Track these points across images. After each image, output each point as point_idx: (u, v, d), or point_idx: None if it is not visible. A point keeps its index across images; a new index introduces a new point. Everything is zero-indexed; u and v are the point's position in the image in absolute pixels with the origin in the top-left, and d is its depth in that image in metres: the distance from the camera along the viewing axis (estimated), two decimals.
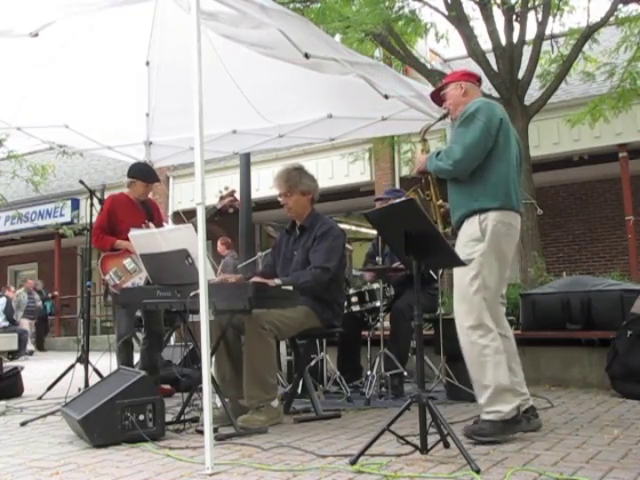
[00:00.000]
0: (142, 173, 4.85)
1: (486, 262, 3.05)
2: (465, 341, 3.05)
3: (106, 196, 4.98)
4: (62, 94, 4.92)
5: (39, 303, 14.62)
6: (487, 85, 7.41)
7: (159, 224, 4.75)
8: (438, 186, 3.38)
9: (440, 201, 3.39)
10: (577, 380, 4.73)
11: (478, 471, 2.36)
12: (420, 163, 3.35)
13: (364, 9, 6.77)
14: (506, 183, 3.12)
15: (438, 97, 3.47)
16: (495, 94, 7.04)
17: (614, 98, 7.31)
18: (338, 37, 6.63)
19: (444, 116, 3.45)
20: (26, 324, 13.38)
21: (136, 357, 4.88)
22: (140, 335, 5.53)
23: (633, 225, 9.42)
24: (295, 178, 3.98)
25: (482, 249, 3.06)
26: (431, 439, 2.64)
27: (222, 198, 4.76)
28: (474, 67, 7.61)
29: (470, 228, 3.11)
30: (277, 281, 3.68)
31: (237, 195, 4.92)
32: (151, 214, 4.86)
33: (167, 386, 4.86)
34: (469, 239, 3.10)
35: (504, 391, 2.97)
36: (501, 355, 3.00)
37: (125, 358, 4.61)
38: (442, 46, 11.98)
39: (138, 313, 4.94)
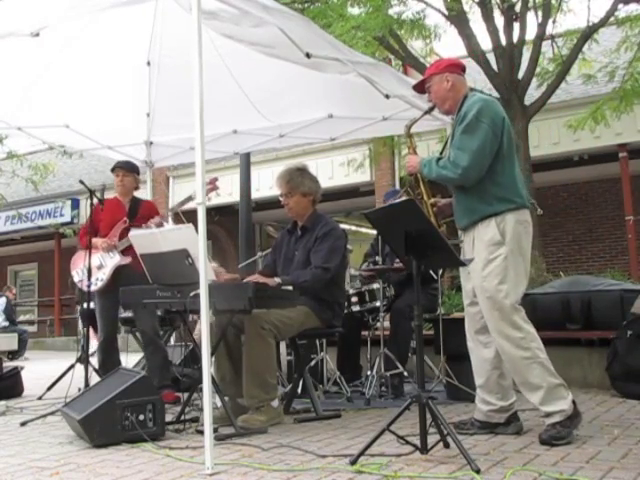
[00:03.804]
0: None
1: (511, 265, 3.01)
2: (507, 348, 2.99)
3: (106, 196, 5.00)
4: (63, 94, 4.92)
5: None
6: (487, 85, 7.42)
7: (140, 221, 4.73)
8: (428, 183, 3.28)
9: (432, 199, 3.29)
10: (577, 380, 4.72)
11: (478, 471, 2.36)
12: (411, 166, 3.24)
13: (367, 12, 6.74)
14: (516, 182, 3.10)
15: (422, 88, 3.34)
16: (495, 94, 7.04)
17: (615, 99, 7.30)
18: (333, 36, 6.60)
19: (430, 110, 3.35)
20: None
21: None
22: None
23: (633, 225, 9.42)
24: (297, 179, 3.99)
25: (505, 252, 3.01)
26: (431, 439, 2.63)
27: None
28: (474, 67, 7.62)
29: (488, 232, 3.04)
30: (277, 280, 3.69)
31: (218, 183, 4.80)
32: (135, 212, 4.83)
33: (171, 392, 4.58)
34: (489, 244, 3.03)
35: (556, 387, 2.97)
36: (544, 354, 3.00)
37: (101, 361, 4.70)
38: (443, 48, 11.97)
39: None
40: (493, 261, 3.02)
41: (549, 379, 2.97)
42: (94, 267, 4.64)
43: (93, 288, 4.60)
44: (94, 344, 11.19)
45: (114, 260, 4.69)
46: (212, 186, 4.69)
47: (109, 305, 4.69)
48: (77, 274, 4.86)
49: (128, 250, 4.65)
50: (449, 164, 3.04)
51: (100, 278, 4.63)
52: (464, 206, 3.15)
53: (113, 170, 4.93)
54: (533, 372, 2.96)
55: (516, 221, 3.05)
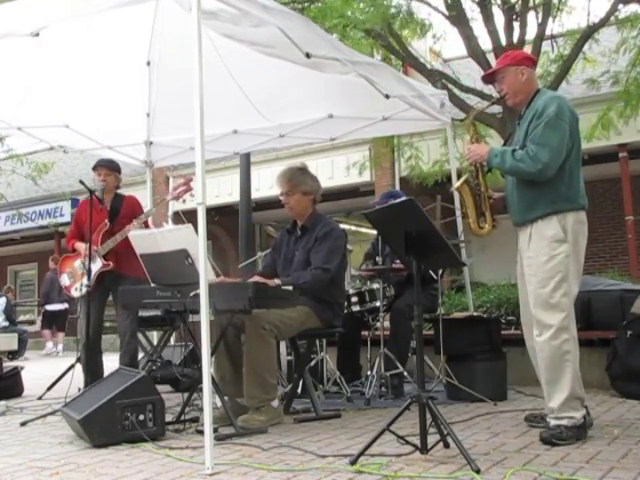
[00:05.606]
0: None
1: (571, 263, 3.02)
2: (550, 345, 2.98)
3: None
4: (63, 94, 4.92)
5: None
6: (488, 85, 7.40)
7: (123, 221, 4.70)
8: (485, 175, 3.25)
9: (489, 191, 3.26)
10: None
11: (478, 471, 2.36)
12: (477, 155, 3.19)
13: (364, 7, 6.74)
14: (581, 183, 3.12)
15: (491, 77, 3.34)
16: (495, 94, 7.04)
17: (620, 105, 7.29)
18: (335, 36, 6.61)
19: (499, 99, 3.38)
20: None
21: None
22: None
23: (633, 225, 9.41)
24: (298, 178, 3.99)
25: (567, 250, 3.01)
26: (431, 439, 2.64)
27: (175, 189, 4.77)
28: (474, 67, 7.61)
29: (550, 229, 3.03)
30: (277, 281, 3.69)
31: (192, 184, 4.73)
32: (117, 212, 4.79)
33: None
34: (552, 240, 3.02)
35: (577, 398, 2.98)
36: (578, 362, 3.01)
37: (84, 363, 4.63)
38: (442, 46, 11.97)
39: (147, 313, 4.93)
40: (556, 257, 3.00)
41: (575, 388, 2.98)
42: (78, 274, 4.65)
43: (77, 294, 4.60)
44: (49, 345, 11.17)
45: (96, 266, 4.65)
46: (187, 187, 4.67)
47: (92, 309, 4.64)
48: (64, 279, 4.89)
49: (110, 254, 4.65)
50: (527, 158, 3.00)
51: (85, 284, 4.56)
52: (526, 202, 3.11)
53: (95, 168, 4.88)
54: (566, 375, 2.97)
55: (575, 221, 3.06)
